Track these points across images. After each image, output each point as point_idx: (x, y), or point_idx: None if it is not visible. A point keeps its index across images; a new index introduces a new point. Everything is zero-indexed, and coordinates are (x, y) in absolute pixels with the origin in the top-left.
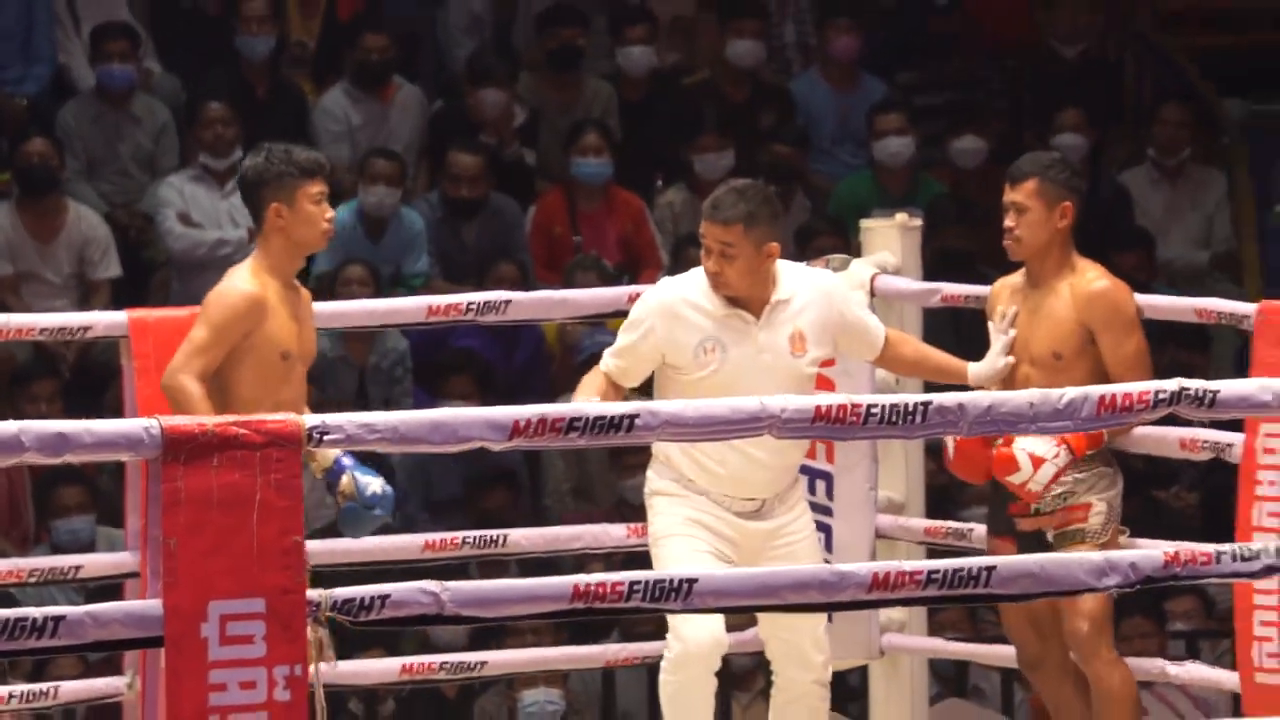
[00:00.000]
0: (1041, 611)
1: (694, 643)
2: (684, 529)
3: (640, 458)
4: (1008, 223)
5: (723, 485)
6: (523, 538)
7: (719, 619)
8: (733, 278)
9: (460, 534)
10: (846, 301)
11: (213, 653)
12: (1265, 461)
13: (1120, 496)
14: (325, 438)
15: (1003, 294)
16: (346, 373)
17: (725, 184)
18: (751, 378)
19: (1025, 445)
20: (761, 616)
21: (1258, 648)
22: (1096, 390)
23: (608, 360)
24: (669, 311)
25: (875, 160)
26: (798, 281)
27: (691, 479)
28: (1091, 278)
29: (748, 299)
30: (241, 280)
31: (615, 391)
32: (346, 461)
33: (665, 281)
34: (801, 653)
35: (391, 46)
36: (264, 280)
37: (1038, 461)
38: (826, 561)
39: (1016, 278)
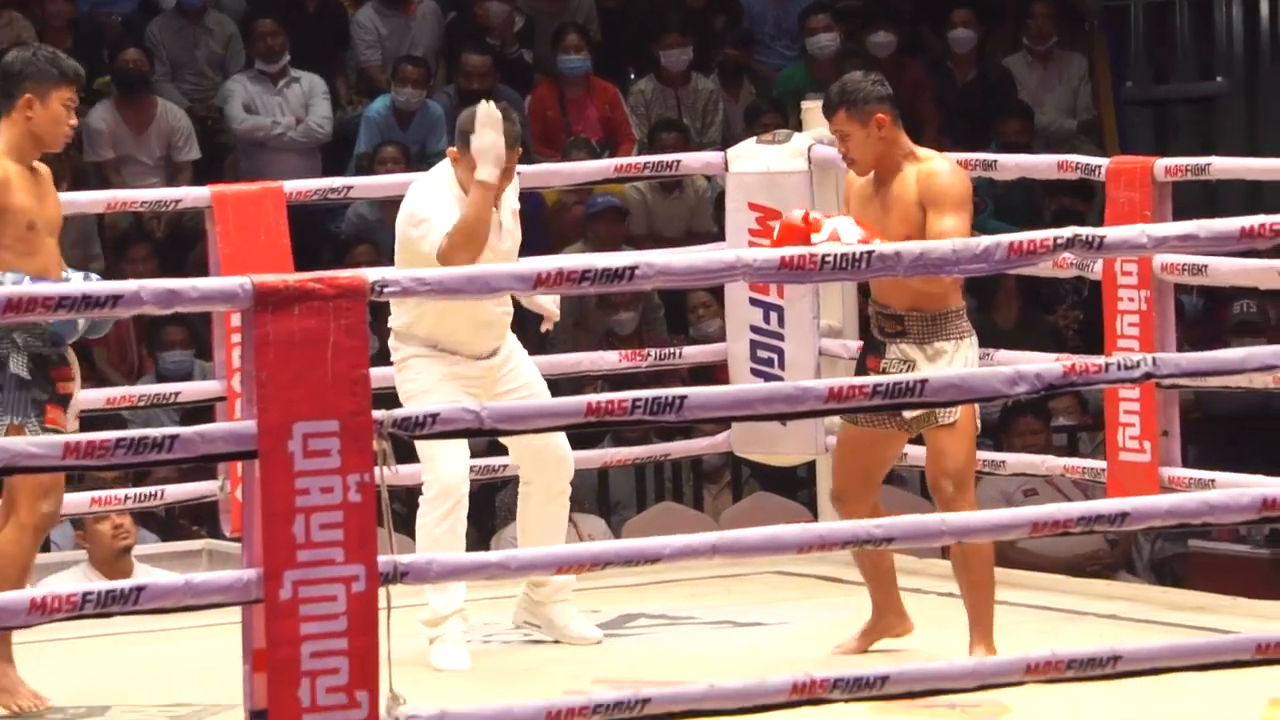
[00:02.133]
0: (875, 465)
1: (450, 478)
2: (438, 384)
3: (624, 297)
4: (840, 149)
5: (472, 345)
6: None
7: (466, 460)
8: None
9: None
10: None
11: (297, 464)
12: (1123, 281)
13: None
14: (385, 289)
15: (854, 187)
16: (384, 233)
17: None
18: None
19: (834, 225)
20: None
21: (1121, 433)
22: (1007, 237)
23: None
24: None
25: (807, 53)
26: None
27: (439, 343)
28: (929, 162)
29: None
30: None
31: None
32: None
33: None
34: (560, 459)
35: None
36: (3, 163)
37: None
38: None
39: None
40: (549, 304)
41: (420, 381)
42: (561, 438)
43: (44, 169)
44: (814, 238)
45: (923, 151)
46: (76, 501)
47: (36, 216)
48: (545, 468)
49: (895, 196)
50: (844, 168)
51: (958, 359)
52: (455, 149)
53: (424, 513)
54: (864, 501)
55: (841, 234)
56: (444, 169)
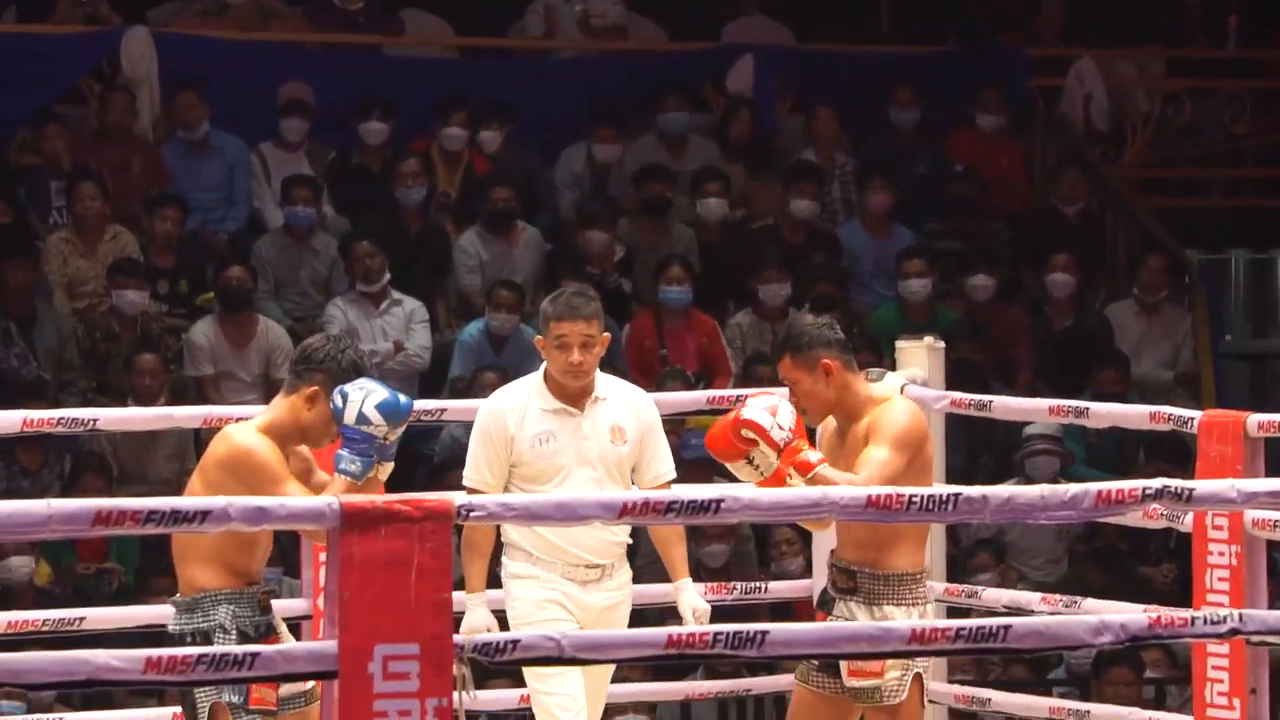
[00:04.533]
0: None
1: None
2: (539, 612)
3: (717, 530)
4: (791, 399)
5: (565, 554)
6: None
7: (573, 708)
8: (591, 364)
9: None
10: (655, 421)
11: (377, 686)
12: (1213, 535)
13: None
14: (471, 514)
15: (824, 434)
16: None
17: (562, 290)
18: (578, 462)
19: (757, 405)
20: None
21: (1210, 689)
22: (1095, 485)
23: (472, 479)
24: (504, 416)
25: (900, 295)
26: (611, 386)
27: (539, 556)
28: (886, 404)
29: (577, 393)
30: (246, 435)
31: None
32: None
33: (494, 395)
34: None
35: (515, 197)
36: (263, 439)
37: (773, 410)
38: None
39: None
40: (690, 607)
41: (517, 608)
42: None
43: (297, 456)
44: (746, 404)
45: (885, 395)
46: None
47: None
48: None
49: (851, 444)
50: (937, 409)
51: None
52: (540, 338)
53: None
54: None
55: (779, 414)
56: (534, 377)
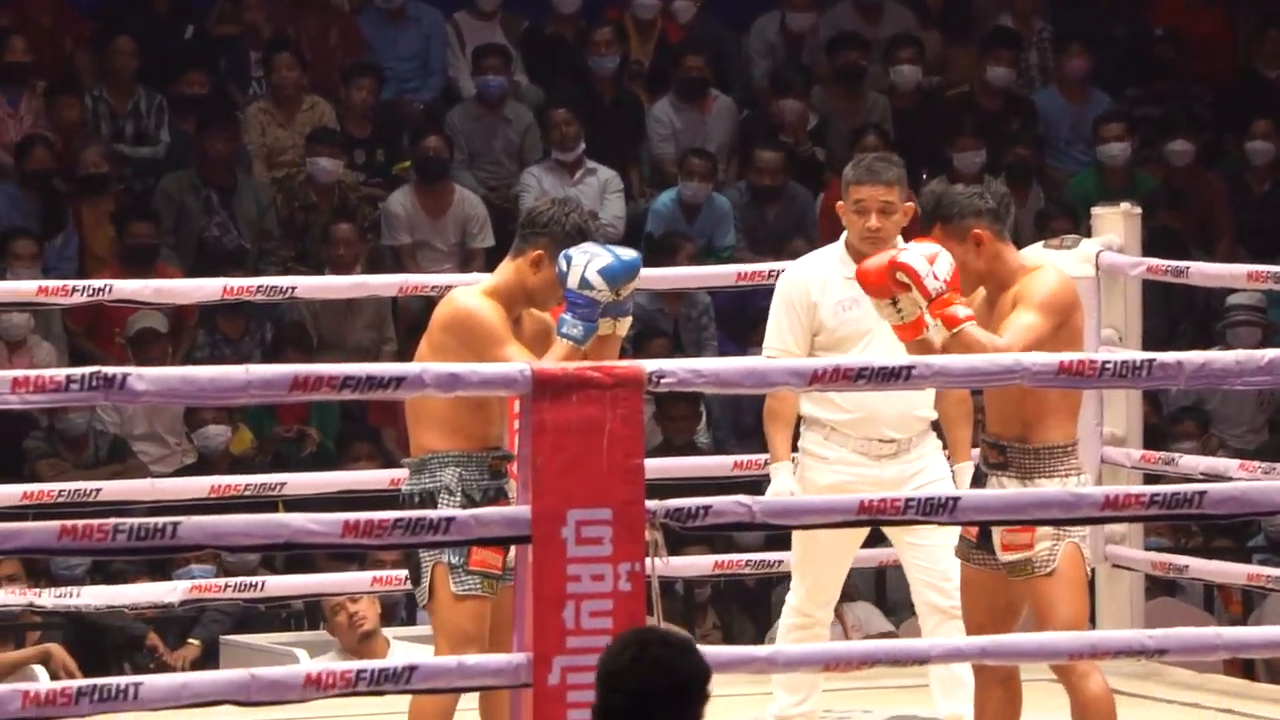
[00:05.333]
0: (997, 614)
1: (801, 601)
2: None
3: None
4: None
5: (860, 427)
6: None
7: (831, 585)
8: (891, 231)
9: (762, 456)
10: None
11: (570, 550)
12: None
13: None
14: (662, 380)
15: (975, 303)
16: (663, 321)
17: (866, 154)
18: (882, 327)
19: (917, 250)
20: (903, 552)
21: None
22: None
23: (774, 347)
24: (807, 284)
25: (1099, 160)
26: None
27: (833, 429)
28: (1037, 273)
29: None
30: (469, 298)
31: None
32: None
33: (794, 264)
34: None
35: (708, 65)
36: (491, 304)
37: (932, 258)
38: None
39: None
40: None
41: (804, 491)
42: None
43: (526, 316)
44: (907, 247)
45: (1033, 266)
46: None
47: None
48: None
49: (999, 313)
50: (1133, 275)
51: None
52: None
53: (783, 622)
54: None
55: (937, 263)
56: (837, 245)
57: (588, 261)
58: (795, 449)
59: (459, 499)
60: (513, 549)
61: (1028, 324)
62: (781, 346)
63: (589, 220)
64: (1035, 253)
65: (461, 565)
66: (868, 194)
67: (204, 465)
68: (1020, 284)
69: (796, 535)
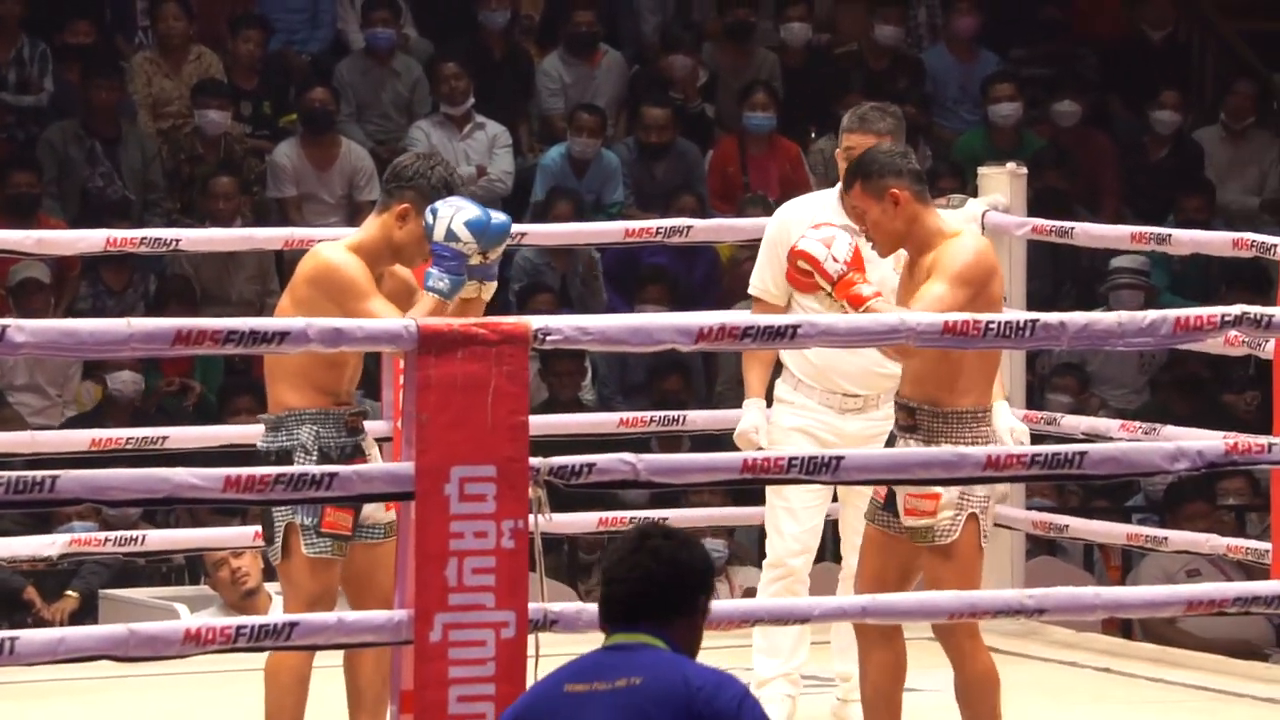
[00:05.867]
0: (890, 577)
1: (779, 550)
2: (784, 438)
3: None
4: (860, 227)
5: (822, 379)
6: (699, 418)
7: (804, 533)
8: None
9: (647, 414)
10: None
11: (453, 507)
12: None
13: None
14: (548, 338)
15: (899, 268)
16: (551, 277)
17: (863, 103)
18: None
19: (813, 235)
20: (844, 513)
21: None
22: (1173, 312)
23: (755, 286)
24: (790, 227)
25: (988, 120)
26: None
27: (800, 378)
28: (954, 241)
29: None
30: (334, 252)
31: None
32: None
33: (785, 205)
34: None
35: (597, 21)
36: (351, 259)
37: (828, 241)
38: None
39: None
40: (1008, 429)
41: (772, 433)
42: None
43: (389, 274)
44: (804, 235)
45: (957, 229)
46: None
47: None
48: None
49: (917, 279)
50: (1018, 235)
51: None
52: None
53: (763, 577)
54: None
55: (834, 246)
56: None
57: (453, 214)
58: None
59: (315, 457)
60: (376, 506)
61: (938, 295)
62: (761, 286)
63: (454, 174)
64: (969, 209)
65: (314, 527)
66: (857, 142)
67: (113, 408)
68: (936, 251)
69: (768, 490)
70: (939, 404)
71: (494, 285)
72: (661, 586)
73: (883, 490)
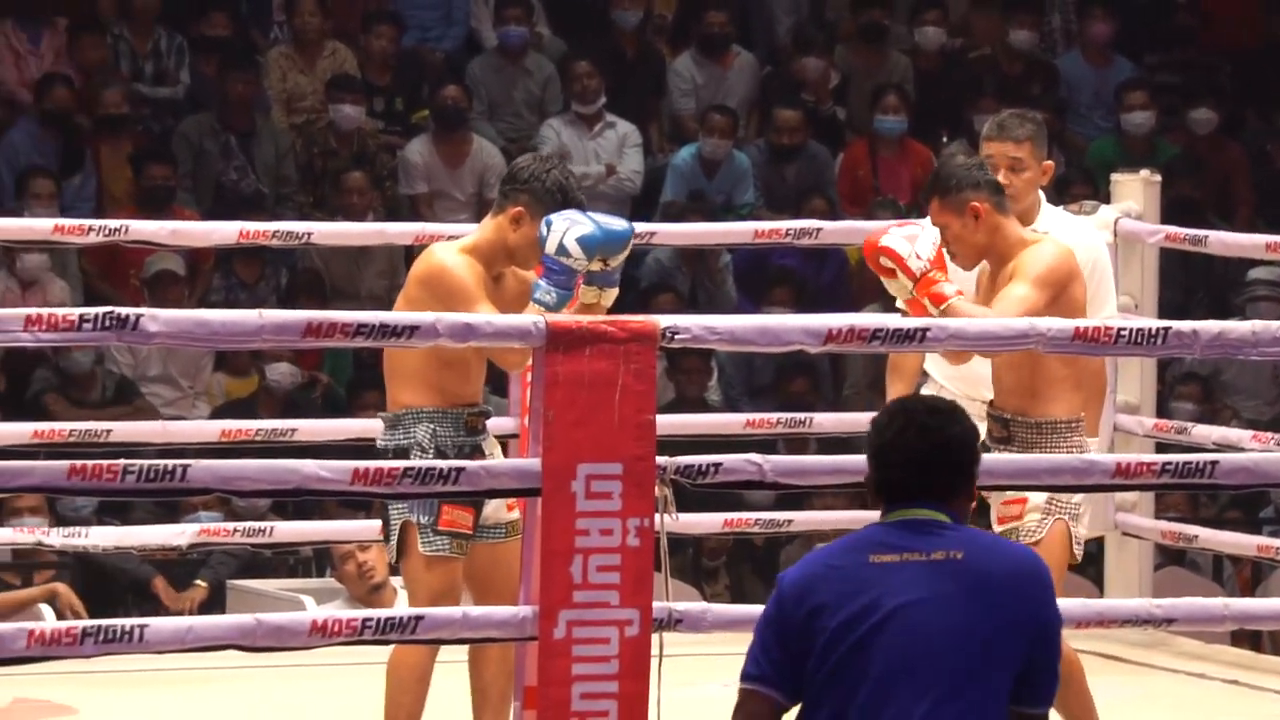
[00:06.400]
0: None
1: None
2: None
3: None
4: (942, 242)
5: (961, 385)
6: (825, 420)
7: None
8: (1022, 189)
9: (774, 415)
10: (1103, 262)
11: (579, 504)
12: None
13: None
14: (676, 336)
15: (980, 278)
16: (683, 280)
17: (1001, 112)
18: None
19: (898, 233)
20: None
21: None
22: None
23: None
24: None
25: (1121, 127)
26: (1058, 220)
27: (943, 384)
28: (1035, 246)
29: None
30: (446, 254)
31: None
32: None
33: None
34: None
35: (730, 21)
36: (470, 261)
37: (912, 238)
38: None
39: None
40: None
41: None
42: None
43: (510, 274)
44: (888, 230)
45: (1038, 237)
46: (322, 532)
47: None
48: None
49: (1000, 286)
50: (1151, 243)
51: None
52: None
53: None
54: None
55: (918, 243)
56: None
57: (567, 228)
58: None
59: (430, 455)
60: (499, 506)
61: (1020, 296)
62: None
63: (572, 179)
64: (1055, 215)
65: (430, 525)
66: (996, 150)
67: (267, 399)
68: (1018, 257)
69: None
70: (1029, 413)
71: (614, 292)
72: (941, 465)
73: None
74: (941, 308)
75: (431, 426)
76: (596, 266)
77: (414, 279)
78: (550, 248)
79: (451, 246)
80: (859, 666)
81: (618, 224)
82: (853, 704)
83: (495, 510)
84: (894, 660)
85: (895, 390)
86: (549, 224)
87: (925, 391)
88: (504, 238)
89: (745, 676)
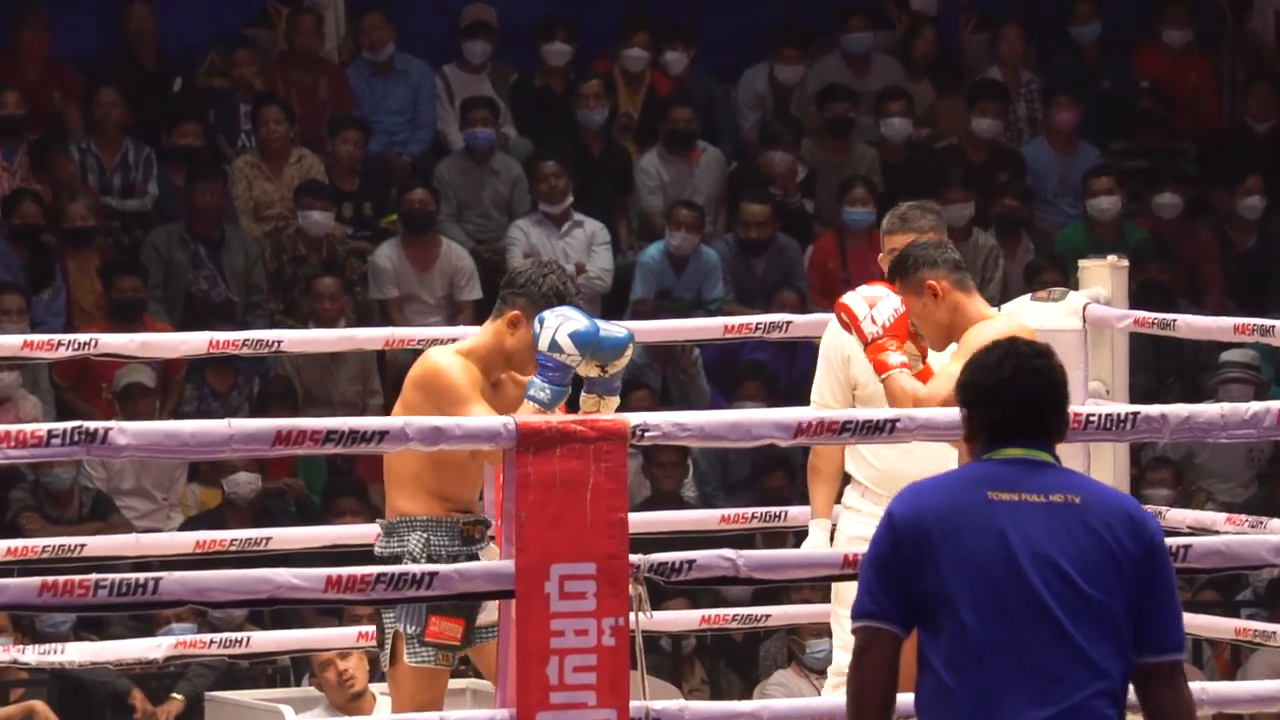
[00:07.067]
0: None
1: (845, 662)
2: (850, 547)
3: None
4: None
5: (887, 484)
6: (801, 514)
7: None
8: None
9: (749, 510)
10: None
11: (554, 605)
12: None
13: None
14: (646, 434)
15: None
16: (652, 376)
17: (900, 205)
18: None
19: (862, 292)
20: None
21: None
22: (1277, 404)
23: (815, 401)
24: (841, 338)
25: (1088, 214)
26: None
27: (868, 486)
28: (982, 324)
29: None
30: (442, 356)
31: None
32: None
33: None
34: None
35: (695, 117)
36: (468, 365)
37: (873, 301)
38: None
39: None
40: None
41: (836, 541)
42: None
43: (509, 380)
44: (856, 289)
45: (993, 313)
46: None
47: None
48: None
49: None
50: (1120, 327)
51: None
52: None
53: (828, 685)
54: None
55: (878, 307)
56: None
57: (559, 324)
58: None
59: (423, 564)
60: (481, 612)
61: (952, 373)
62: (819, 400)
63: (569, 282)
64: (1022, 305)
65: (417, 636)
66: (901, 243)
67: (233, 511)
68: (965, 333)
69: (835, 589)
70: None
71: (615, 400)
72: (1052, 405)
73: None
74: (883, 376)
75: (425, 535)
76: (595, 372)
77: (410, 382)
78: (543, 344)
79: (448, 349)
80: (993, 601)
81: (616, 329)
82: (986, 637)
83: (490, 612)
84: (1031, 601)
85: (819, 492)
86: (542, 321)
87: (848, 493)
88: (501, 341)
89: (864, 614)
